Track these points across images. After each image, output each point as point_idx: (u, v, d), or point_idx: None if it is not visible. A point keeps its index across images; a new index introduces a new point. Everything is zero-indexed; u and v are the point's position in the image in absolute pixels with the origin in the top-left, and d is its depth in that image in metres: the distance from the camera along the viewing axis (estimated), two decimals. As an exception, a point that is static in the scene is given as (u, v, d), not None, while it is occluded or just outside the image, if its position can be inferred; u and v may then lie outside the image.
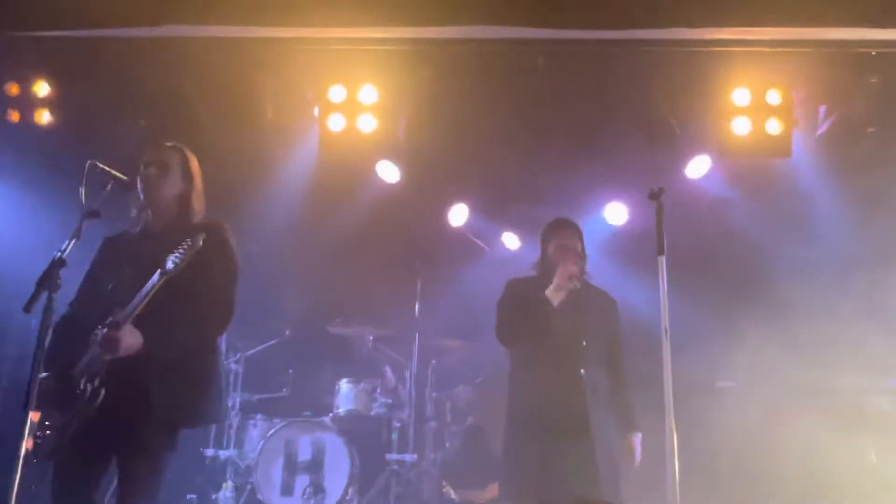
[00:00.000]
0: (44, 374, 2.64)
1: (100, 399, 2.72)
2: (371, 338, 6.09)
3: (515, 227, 6.48)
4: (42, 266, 2.61)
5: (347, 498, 5.31)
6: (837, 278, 5.18)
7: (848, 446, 4.61)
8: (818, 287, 5.10)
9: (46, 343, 2.55)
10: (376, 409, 5.74)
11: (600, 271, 4.02)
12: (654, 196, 3.21)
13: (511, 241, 6.54)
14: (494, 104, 5.00)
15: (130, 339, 2.72)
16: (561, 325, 3.53)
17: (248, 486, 5.37)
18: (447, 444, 5.96)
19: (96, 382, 2.73)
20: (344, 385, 5.73)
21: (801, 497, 4.74)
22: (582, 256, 3.69)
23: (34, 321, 2.60)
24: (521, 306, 3.62)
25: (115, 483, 2.80)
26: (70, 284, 2.81)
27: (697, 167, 5.37)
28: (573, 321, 3.58)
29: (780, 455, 4.91)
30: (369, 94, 4.86)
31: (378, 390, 5.80)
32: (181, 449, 2.89)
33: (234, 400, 5.83)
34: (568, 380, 3.52)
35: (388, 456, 5.61)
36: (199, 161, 3.20)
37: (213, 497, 5.38)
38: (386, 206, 5.92)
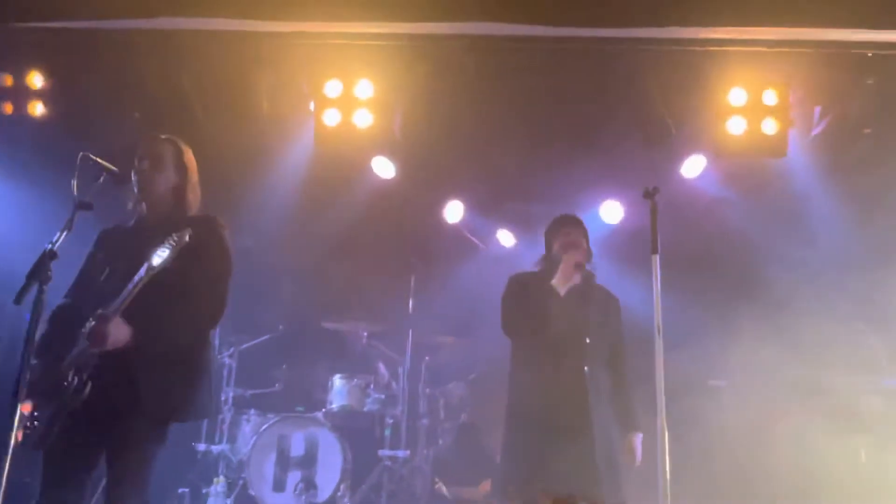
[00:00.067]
0: (34, 362, 2.64)
1: (86, 392, 2.71)
2: (365, 334, 6.09)
3: (510, 224, 6.49)
4: (34, 258, 2.60)
5: (339, 494, 5.31)
6: (832, 278, 5.20)
7: (840, 446, 4.63)
8: (813, 287, 5.12)
9: (37, 334, 2.55)
10: (369, 405, 5.74)
11: (595, 269, 4.02)
12: (649, 195, 3.22)
13: (506, 238, 6.54)
14: (490, 101, 5.00)
15: (118, 332, 2.71)
16: (565, 320, 3.52)
17: (241, 481, 5.37)
18: (440, 441, 5.97)
19: (84, 375, 2.72)
20: (337, 381, 5.73)
21: (793, 496, 4.75)
22: (588, 252, 3.69)
23: (28, 313, 2.59)
24: (527, 297, 3.60)
25: (104, 480, 2.79)
26: (61, 276, 2.79)
27: (693, 166, 5.38)
28: (577, 317, 3.56)
29: (772, 454, 4.93)
30: (365, 89, 4.84)
31: (371, 386, 5.79)
32: (173, 443, 2.88)
33: (227, 395, 5.82)
34: (570, 377, 3.49)
35: (380, 452, 5.61)
36: (193, 154, 3.19)
37: (205, 492, 5.37)
38: (381, 201, 5.92)
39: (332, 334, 6.16)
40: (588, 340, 3.56)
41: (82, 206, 2.72)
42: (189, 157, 3.14)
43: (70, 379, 2.72)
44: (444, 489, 5.62)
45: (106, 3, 4.35)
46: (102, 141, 4.22)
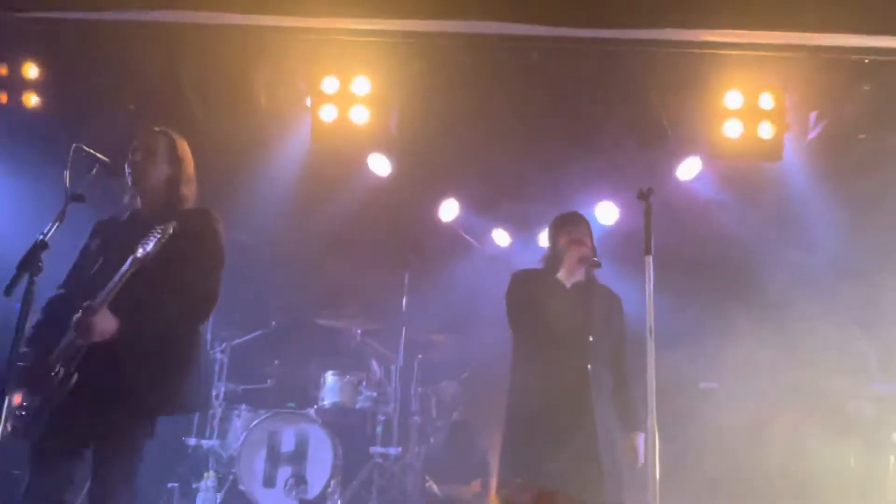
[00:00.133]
0: (24, 350, 2.64)
1: (72, 383, 2.70)
2: (359, 331, 6.08)
3: (506, 223, 6.48)
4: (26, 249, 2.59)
5: (330, 490, 5.30)
6: (825, 283, 5.21)
7: (830, 449, 4.65)
8: (806, 291, 5.13)
9: (29, 325, 2.54)
10: (361, 403, 5.73)
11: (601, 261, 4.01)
12: (643, 196, 3.22)
13: (501, 237, 6.54)
14: (487, 100, 5.00)
15: (104, 323, 2.70)
16: (571, 314, 3.51)
17: (231, 477, 5.36)
18: (431, 439, 5.97)
19: (70, 367, 2.72)
20: (329, 377, 5.72)
21: (783, 498, 4.77)
22: (592, 249, 3.69)
23: (19, 305, 2.58)
24: (533, 290, 3.59)
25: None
26: (53, 267, 2.79)
27: (688, 169, 5.39)
28: (581, 313, 3.55)
29: (763, 456, 4.95)
30: (362, 85, 4.84)
31: (364, 383, 5.78)
32: (163, 437, 2.88)
33: (219, 389, 5.81)
34: (573, 375, 3.46)
35: (371, 449, 5.60)
36: (189, 147, 3.17)
37: (195, 486, 5.35)
38: (376, 198, 5.91)
39: (325, 331, 6.15)
40: (591, 339, 3.54)
41: (74, 197, 2.73)
42: (183, 149, 3.13)
43: (56, 370, 2.72)
44: (434, 487, 5.62)
45: (105, -6, 4.34)
46: (97, 133, 4.21)
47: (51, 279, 2.95)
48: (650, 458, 2.87)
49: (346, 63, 4.83)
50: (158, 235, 2.72)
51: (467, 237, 6.54)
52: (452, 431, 5.97)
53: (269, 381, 6.05)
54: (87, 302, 2.71)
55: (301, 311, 6.16)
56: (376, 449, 5.60)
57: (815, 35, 4.39)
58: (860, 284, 5.06)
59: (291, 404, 5.81)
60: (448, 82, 4.83)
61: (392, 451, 5.57)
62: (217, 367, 5.85)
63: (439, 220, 6.30)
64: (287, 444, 5.41)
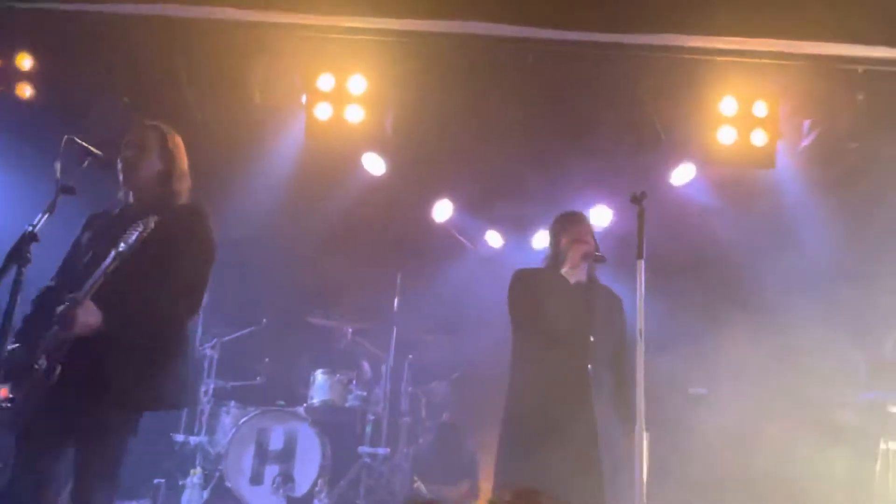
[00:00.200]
0: (13, 346, 2.62)
1: (55, 376, 2.68)
2: (350, 330, 6.07)
3: (499, 225, 6.48)
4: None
5: (317, 489, 5.28)
6: (817, 290, 5.23)
7: (817, 457, 4.66)
8: (797, 298, 5.14)
9: (21, 317, 2.50)
10: (351, 402, 5.72)
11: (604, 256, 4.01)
12: (636, 200, 3.21)
13: (494, 239, 6.54)
14: (483, 101, 5.00)
15: (88, 316, 2.67)
16: (574, 311, 3.51)
17: (217, 473, 5.34)
18: (420, 440, 5.96)
19: (54, 359, 2.70)
20: (319, 376, 5.70)
21: (770, 504, 4.79)
22: (595, 246, 3.69)
23: (5, 298, 2.56)
24: (537, 286, 3.59)
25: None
26: (45, 260, 2.77)
27: (682, 175, 5.40)
28: (582, 314, 3.54)
29: (751, 462, 4.95)
30: (358, 84, 4.83)
31: (354, 382, 5.77)
32: (151, 433, 2.86)
33: (208, 386, 5.79)
34: (573, 375, 3.46)
35: (360, 449, 5.59)
36: (183, 141, 3.15)
37: (181, 483, 5.32)
38: (370, 198, 5.90)
39: (316, 329, 6.14)
40: (592, 339, 3.54)
41: (65, 189, 2.70)
42: (175, 143, 3.10)
43: (40, 363, 2.70)
44: (422, 488, 5.61)
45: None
46: (91, 124, 4.19)
47: (42, 271, 2.94)
48: (638, 461, 2.87)
49: (343, 61, 4.82)
50: (140, 230, 2.70)
51: (460, 238, 6.54)
52: (442, 432, 5.96)
53: (258, 378, 6.03)
54: (71, 294, 2.70)
55: (292, 308, 6.14)
56: (365, 448, 5.59)
57: (811, 44, 4.42)
58: (851, 292, 5.08)
59: (281, 402, 5.79)
60: (444, 83, 4.83)
61: (381, 450, 5.56)
62: (207, 364, 5.83)
63: (433, 221, 6.30)
64: (275, 442, 5.39)
